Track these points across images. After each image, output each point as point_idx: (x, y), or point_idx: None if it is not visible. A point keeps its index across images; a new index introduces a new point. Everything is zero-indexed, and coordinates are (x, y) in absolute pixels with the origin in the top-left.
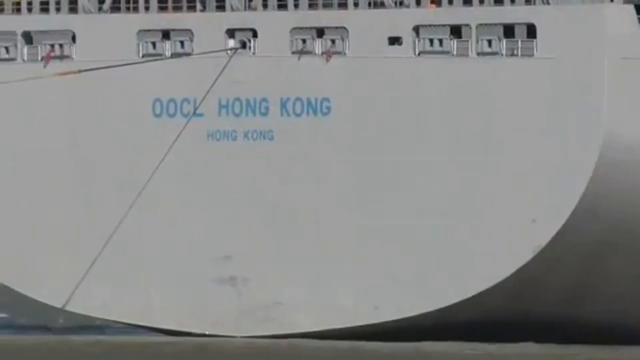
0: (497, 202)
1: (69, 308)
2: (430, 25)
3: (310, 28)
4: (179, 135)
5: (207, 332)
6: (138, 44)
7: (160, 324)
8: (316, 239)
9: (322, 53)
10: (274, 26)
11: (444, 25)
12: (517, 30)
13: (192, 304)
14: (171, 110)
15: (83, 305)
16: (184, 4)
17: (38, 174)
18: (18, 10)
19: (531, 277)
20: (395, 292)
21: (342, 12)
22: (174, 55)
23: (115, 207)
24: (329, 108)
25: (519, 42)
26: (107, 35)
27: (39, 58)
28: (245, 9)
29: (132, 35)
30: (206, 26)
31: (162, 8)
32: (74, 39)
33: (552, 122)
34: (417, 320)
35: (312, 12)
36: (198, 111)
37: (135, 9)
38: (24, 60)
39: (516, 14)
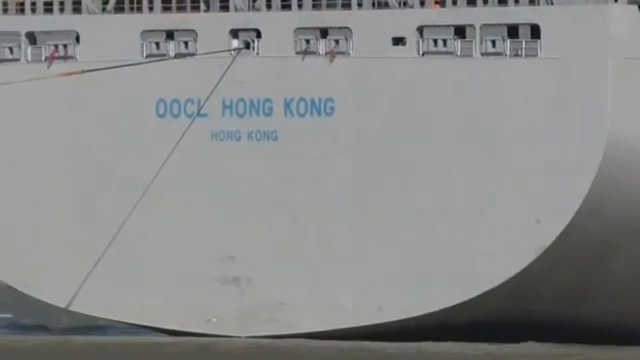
0: (501, 202)
1: (72, 308)
2: (434, 26)
3: (314, 28)
4: (182, 136)
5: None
6: (142, 44)
7: (164, 324)
8: (320, 239)
9: (326, 53)
10: (278, 26)
11: (447, 26)
12: (521, 30)
13: (195, 304)
14: (175, 111)
15: (87, 306)
16: (188, 4)
17: (41, 174)
18: (22, 11)
19: (535, 278)
20: (398, 292)
21: (345, 12)
22: (178, 55)
23: (118, 207)
24: (332, 108)
25: (523, 43)
26: (110, 35)
27: (43, 58)
28: (249, 9)
29: (136, 35)
30: (210, 26)
31: (166, 8)
32: (77, 39)
33: (556, 122)
34: (421, 320)
35: (315, 12)
36: (202, 111)
37: (139, 9)
38: (27, 60)
39: (520, 15)
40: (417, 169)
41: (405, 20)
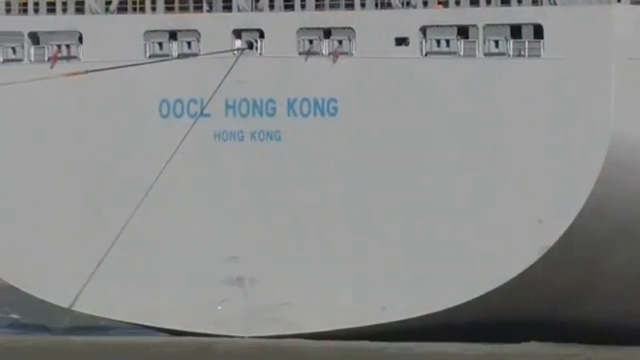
0: (504, 202)
1: (75, 308)
2: (437, 26)
3: (317, 28)
4: (185, 136)
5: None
6: (145, 45)
7: (167, 325)
8: (324, 239)
9: (329, 53)
10: (281, 27)
11: (451, 26)
12: (524, 30)
13: (199, 304)
14: (178, 111)
15: (90, 306)
16: (191, 4)
17: (45, 175)
18: (24, 11)
19: (537, 278)
20: (402, 292)
21: (349, 12)
22: (181, 55)
23: (122, 207)
24: (335, 108)
25: (526, 43)
26: (114, 35)
27: (46, 59)
28: (252, 10)
29: (139, 35)
30: (213, 27)
31: (169, 9)
32: (80, 39)
33: (559, 123)
34: (424, 320)
35: (319, 12)
36: (205, 112)
37: (142, 10)
38: (30, 60)
39: (523, 15)
40: (420, 169)
41: (408, 21)
